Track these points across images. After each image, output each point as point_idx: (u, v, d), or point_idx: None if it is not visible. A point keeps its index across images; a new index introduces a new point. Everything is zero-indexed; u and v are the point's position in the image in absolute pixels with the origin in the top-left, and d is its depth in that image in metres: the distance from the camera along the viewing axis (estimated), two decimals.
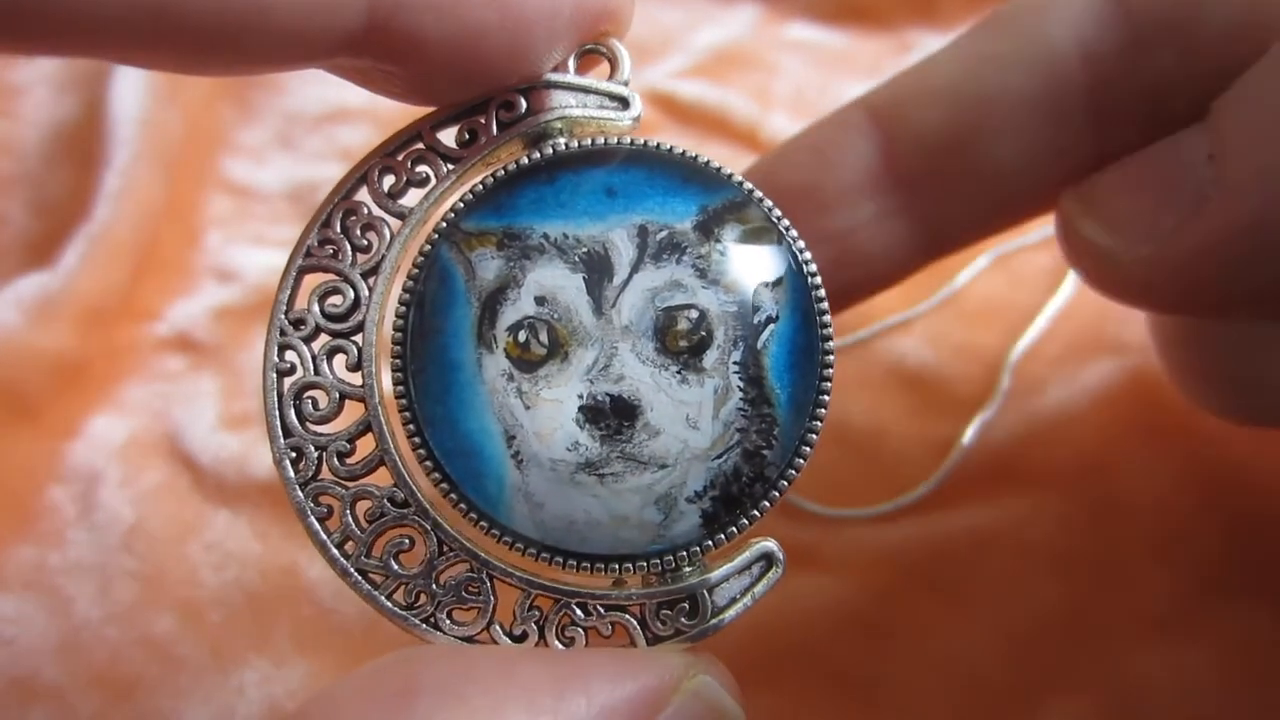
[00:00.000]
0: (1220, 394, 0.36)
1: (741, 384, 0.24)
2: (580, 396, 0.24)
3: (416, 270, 0.25)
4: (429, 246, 0.25)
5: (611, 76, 0.26)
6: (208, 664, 0.38)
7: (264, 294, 0.46)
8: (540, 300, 0.24)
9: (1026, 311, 0.43)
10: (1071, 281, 0.43)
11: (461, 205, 0.25)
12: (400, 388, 0.24)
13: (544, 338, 0.24)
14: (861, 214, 0.33)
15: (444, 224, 0.25)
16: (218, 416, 0.43)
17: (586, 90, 0.26)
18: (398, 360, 0.24)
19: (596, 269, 0.24)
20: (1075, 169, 0.31)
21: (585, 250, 0.24)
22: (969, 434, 0.40)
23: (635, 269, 0.24)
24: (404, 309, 0.25)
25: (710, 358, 0.24)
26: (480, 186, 0.25)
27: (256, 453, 0.41)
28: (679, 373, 0.24)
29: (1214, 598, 0.37)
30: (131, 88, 0.47)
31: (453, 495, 0.24)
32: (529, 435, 0.24)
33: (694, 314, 0.24)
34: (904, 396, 0.42)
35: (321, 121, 0.50)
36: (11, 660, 0.38)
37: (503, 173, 0.25)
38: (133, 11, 0.20)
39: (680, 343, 0.24)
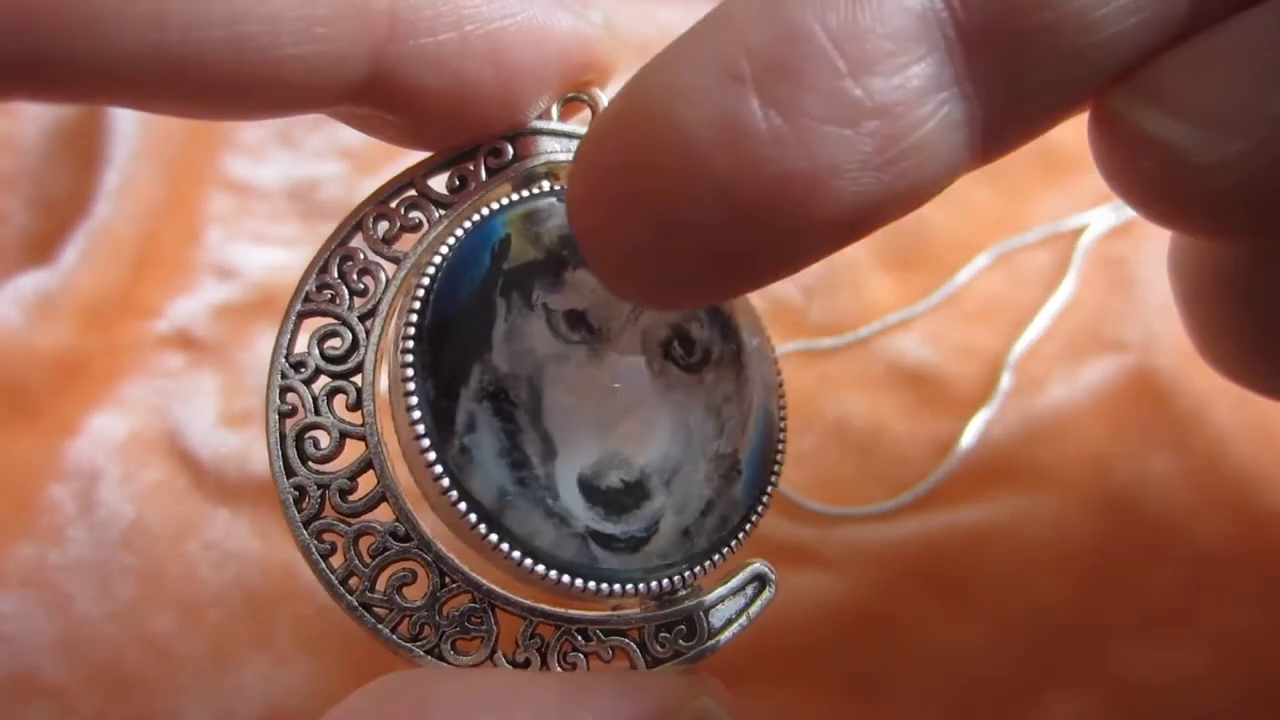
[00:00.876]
0: (1261, 361, 0.27)
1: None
2: None
3: None
4: None
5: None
6: (208, 662, 0.38)
7: (264, 292, 0.46)
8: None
9: (1027, 310, 0.43)
10: (1071, 279, 0.43)
11: None
12: None
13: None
14: (911, 81, 0.21)
15: None
16: (218, 414, 0.43)
17: (570, 136, 0.27)
18: None
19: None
20: (1164, 37, 0.23)
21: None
22: (969, 432, 0.40)
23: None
24: None
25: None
26: None
27: (257, 450, 0.41)
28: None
29: (1214, 595, 0.37)
30: None
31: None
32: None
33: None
34: (904, 395, 0.42)
35: (322, 119, 0.50)
36: (11, 658, 0.38)
37: None
38: (151, 67, 0.21)
39: None
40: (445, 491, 0.24)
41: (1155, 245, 0.44)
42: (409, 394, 0.24)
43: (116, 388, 0.44)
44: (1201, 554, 0.38)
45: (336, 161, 0.49)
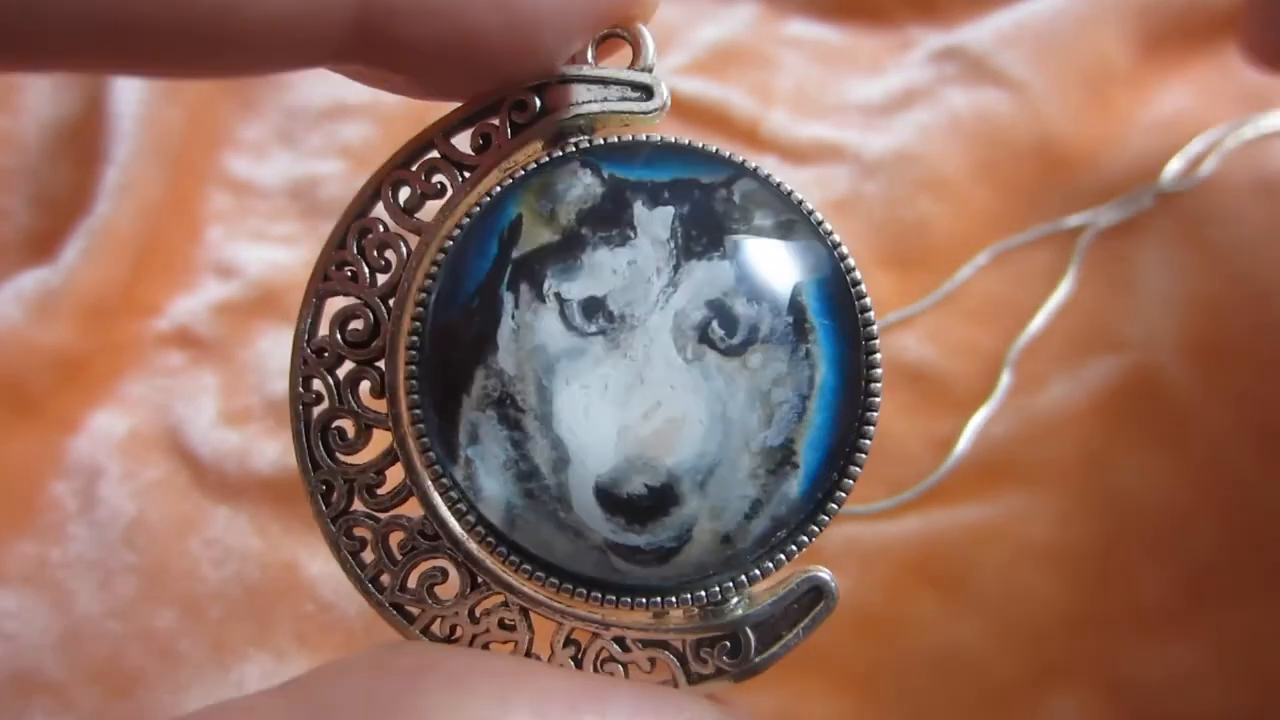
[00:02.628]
0: None
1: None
2: None
3: None
4: None
5: (634, 63, 0.24)
6: (208, 659, 0.38)
7: (264, 290, 0.46)
8: None
9: (1027, 308, 0.43)
10: (1071, 278, 0.43)
11: None
12: None
13: None
14: None
15: None
16: (218, 412, 0.43)
17: (606, 81, 0.24)
18: None
19: None
20: None
21: None
22: (969, 431, 0.40)
23: None
24: None
25: None
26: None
27: (257, 448, 0.42)
28: None
29: (1213, 593, 0.37)
30: (132, 83, 0.47)
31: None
32: None
33: None
34: (904, 393, 0.42)
35: (322, 118, 0.50)
36: (12, 655, 0.38)
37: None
38: (94, 31, 0.19)
39: None
40: (454, 505, 0.23)
41: (1155, 244, 0.44)
42: (413, 407, 0.23)
43: (117, 385, 0.44)
44: (1200, 552, 0.38)
45: (337, 160, 0.49)
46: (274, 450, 0.41)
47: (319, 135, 0.50)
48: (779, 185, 0.24)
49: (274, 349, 0.44)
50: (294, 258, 0.46)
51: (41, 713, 0.37)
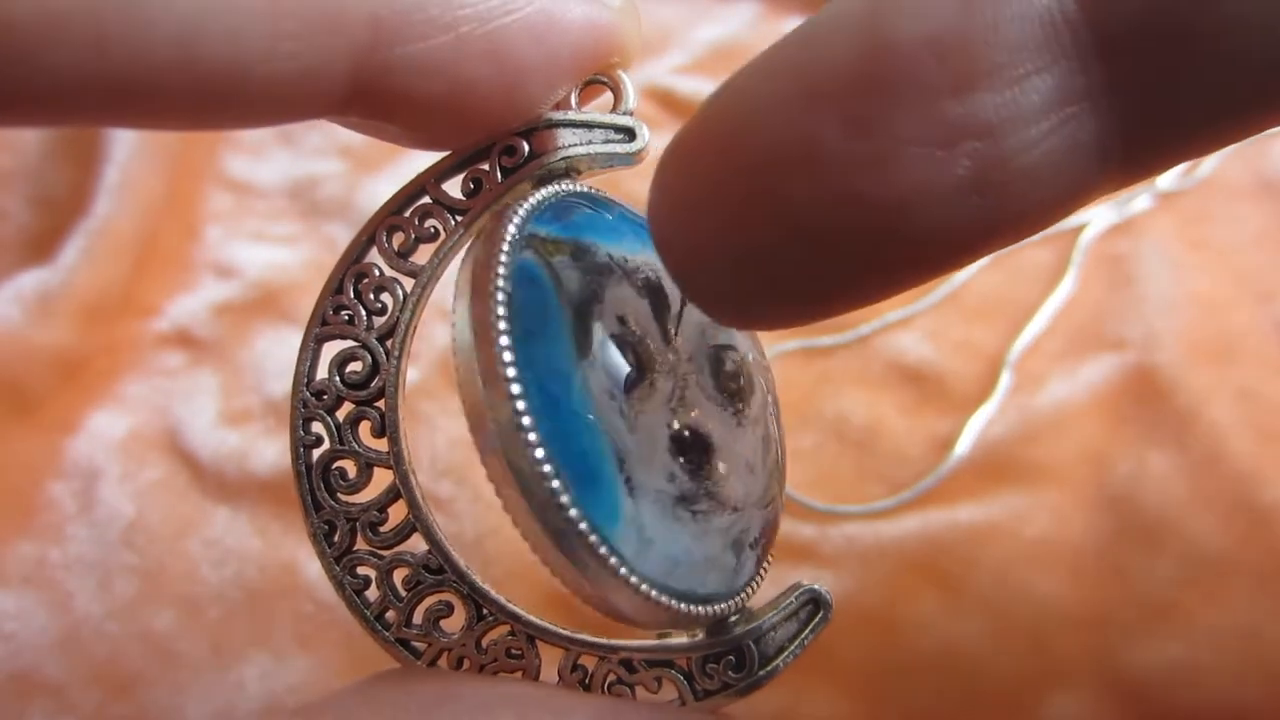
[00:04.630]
0: None
1: (778, 434, 0.25)
2: (668, 425, 0.23)
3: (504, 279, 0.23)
4: (507, 252, 0.23)
5: (615, 107, 0.25)
6: (208, 660, 0.38)
7: (263, 290, 0.46)
8: (622, 320, 0.23)
9: (1026, 307, 0.43)
10: (1071, 277, 0.43)
11: (521, 213, 0.23)
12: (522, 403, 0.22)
13: (632, 359, 0.23)
14: (1031, 95, 0.18)
15: (514, 230, 0.23)
16: (218, 412, 0.43)
17: (589, 125, 0.25)
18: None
19: (655, 296, 0.23)
20: None
21: (644, 276, 0.23)
22: (968, 430, 0.40)
23: (684, 303, 0.24)
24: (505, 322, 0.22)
25: (755, 403, 0.24)
26: (533, 199, 0.24)
27: (256, 449, 0.41)
28: (734, 415, 0.24)
29: (1212, 591, 0.37)
30: None
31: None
32: (635, 461, 0.22)
33: (736, 356, 0.24)
34: (904, 392, 0.42)
35: None
36: (11, 656, 0.38)
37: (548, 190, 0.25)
38: (97, 92, 0.19)
39: (730, 384, 0.24)
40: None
41: (1155, 243, 0.44)
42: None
43: (116, 386, 0.44)
44: (1199, 550, 0.38)
45: (336, 160, 0.49)
46: (273, 451, 0.41)
47: (318, 135, 0.50)
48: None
49: (273, 349, 0.44)
50: (293, 258, 0.46)
51: (41, 713, 0.37)
